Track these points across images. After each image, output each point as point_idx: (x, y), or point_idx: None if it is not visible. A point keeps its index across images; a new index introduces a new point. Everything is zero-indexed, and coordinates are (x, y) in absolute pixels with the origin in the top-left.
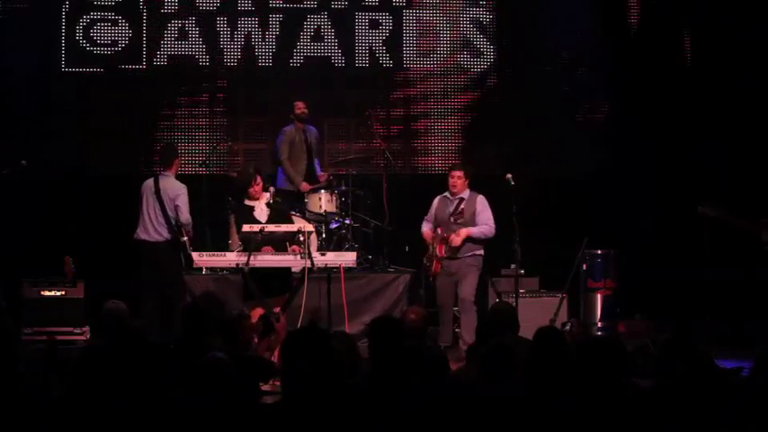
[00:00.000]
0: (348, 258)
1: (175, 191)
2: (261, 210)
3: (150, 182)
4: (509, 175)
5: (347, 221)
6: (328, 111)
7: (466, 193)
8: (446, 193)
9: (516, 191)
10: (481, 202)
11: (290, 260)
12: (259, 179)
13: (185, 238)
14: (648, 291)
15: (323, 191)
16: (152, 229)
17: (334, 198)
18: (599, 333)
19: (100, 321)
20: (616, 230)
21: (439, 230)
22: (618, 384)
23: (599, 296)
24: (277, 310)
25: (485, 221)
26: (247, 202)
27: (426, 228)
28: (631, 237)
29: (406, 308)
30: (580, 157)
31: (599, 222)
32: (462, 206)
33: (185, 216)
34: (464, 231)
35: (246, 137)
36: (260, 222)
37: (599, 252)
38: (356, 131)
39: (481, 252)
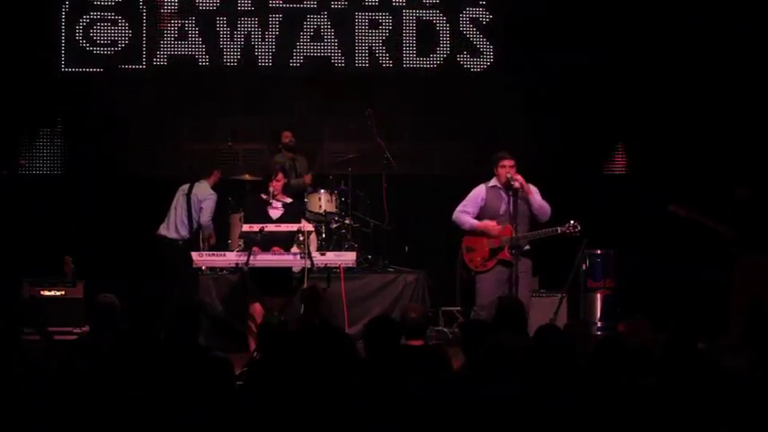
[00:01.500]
0: (348, 258)
1: (205, 195)
2: (277, 207)
3: (186, 185)
4: (509, 176)
5: (347, 221)
6: (328, 111)
7: (516, 184)
8: (492, 183)
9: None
10: (533, 191)
11: (291, 260)
12: (281, 176)
13: (212, 241)
14: (649, 290)
15: (323, 190)
16: (173, 228)
17: (334, 198)
18: (599, 333)
19: (91, 316)
20: (616, 230)
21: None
22: (619, 384)
23: (599, 296)
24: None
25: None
26: (263, 196)
27: (468, 217)
28: (631, 236)
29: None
30: (580, 156)
31: (599, 222)
32: (520, 198)
33: (206, 218)
34: (533, 188)
35: (246, 137)
36: (269, 217)
37: (599, 252)
38: (356, 131)
39: (529, 247)
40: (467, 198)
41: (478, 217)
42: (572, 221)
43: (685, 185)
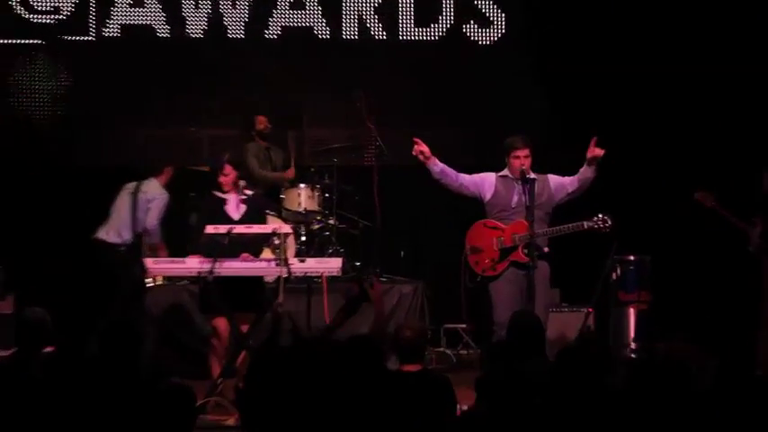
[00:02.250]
0: (332, 266)
1: (155, 194)
2: (234, 204)
3: (132, 184)
4: (524, 167)
5: (331, 221)
6: (310, 91)
7: (531, 174)
8: (504, 172)
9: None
10: (553, 178)
11: (263, 268)
12: (229, 168)
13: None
14: (694, 306)
15: (303, 185)
16: (114, 231)
17: (316, 194)
18: (632, 356)
19: (16, 334)
20: (653, 231)
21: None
22: (659, 419)
23: (632, 311)
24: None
25: (568, 182)
26: (218, 194)
27: (453, 173)
28: (672, 238)
29: (401, 322)
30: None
31: (632, 221)
32: (538, 188)
33: (153, 220)
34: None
35: (213, 122)
36: (228, 218)
37: (632, 258)
38: (343, 115)
39: (547, 249)
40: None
41: (485, 213)
42: (600, 215)
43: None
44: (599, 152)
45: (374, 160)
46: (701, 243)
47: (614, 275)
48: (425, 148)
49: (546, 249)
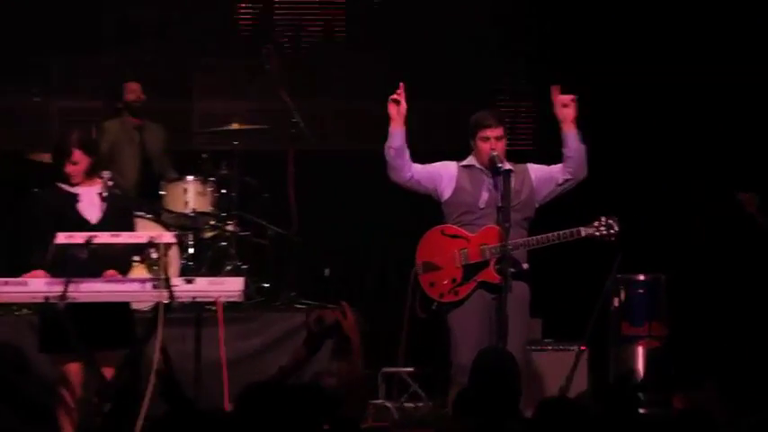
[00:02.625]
0: (230, 288)
1: None
2: (90, 202)
3: None
4: (495, 152)
5: (230, 227)
6: (197, 48)
7: (507, 164)
8: (468, 161)
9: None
10: (535, 168)
11: (135, 291)
12: (78, 154)
13: None
14: (724, 341)
15: (190, 178)
16: None
17: (209, 189)
18: (642, 411)
19: None
20: (669, 242)
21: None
22: None
23: (641, 349)
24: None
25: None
26: (65, 188)
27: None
28: (694, 252)
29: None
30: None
31: (641, 230)
32: (515, 182)
33: None
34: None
35: (67, 89)
36: (85, 222)
37: (641, 278)
38: (246, 81)
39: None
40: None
41: (444, 216)
42: (603, 218)
43: None
44: (565, 98)
45: (290, 144)
46: (732, 258)
47: (616, 301)
48: (403, 105)
49: (525, 266)
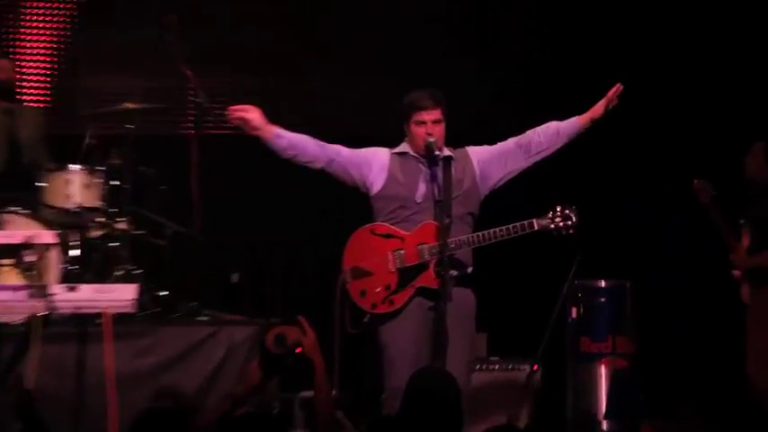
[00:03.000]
0: (121, 297)
1: None
2: None
3: None
4: (431, 138)
5: (121, 225)
6: (83, 16)
7: (446, 150)
8: (403, 148)
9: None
10: (477, 152)
11: (4, 301)
12: None
13: None
14: (698, 358)
15: (75, 167)
16: None
17: (97, 181)
18: None
19: None
20: (634, 242)
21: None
22: None
23: (603, 369)
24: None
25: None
26: None
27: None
28: (666, 253)
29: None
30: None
31: (604, 228)
32: (455, 171)
33: None
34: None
35: None
36: None
37: (602, 284)
38: (142, 55)
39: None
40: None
41: (374, 212)
42: (559, 208)
43: None
44: (444, 153)
45: (193, 129)
46: (711, 258)
47: (575, 312)
48: (251, 114)
49: (469, 269)
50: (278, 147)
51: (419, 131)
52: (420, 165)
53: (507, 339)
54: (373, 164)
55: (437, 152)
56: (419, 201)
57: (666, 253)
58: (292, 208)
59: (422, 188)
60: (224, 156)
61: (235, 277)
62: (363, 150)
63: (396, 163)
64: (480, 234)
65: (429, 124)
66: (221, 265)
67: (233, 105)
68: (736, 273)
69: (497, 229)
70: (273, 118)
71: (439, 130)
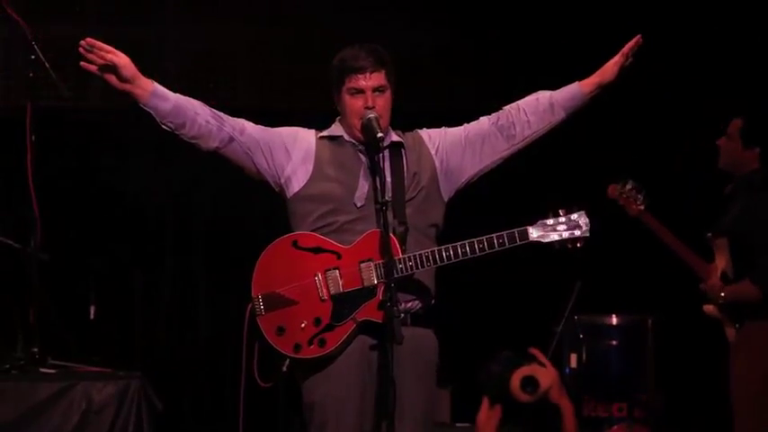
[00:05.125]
0: None
1: None
2: None
3: None
4: (372, 114)
5: None
6: None
7: (394, 135)
8: (335, 130)
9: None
10: (435, 138)
11: None
12: None
13: None
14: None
15: None
16: None
17: None
18: None
19: None
20: (656, 268)
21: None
22: None
23: None
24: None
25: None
26: None
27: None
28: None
29: None
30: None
31: (609, 243)
32: (408, 162)
33: None
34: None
35: None
36: None
37: (613, 321)
38: None
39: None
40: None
41: (295, 218)
42: (562, 212)
43: None
44: (390, 138)
45: (27, 98)
46: None
47: (574, 360)
48: (122, 58)
49: (431, 300)
50: (157, 110)
51: (355, 104)
52: (359, 154)
53: (479, 398)
54: (293, 150)
55: (380, 134)
56: (359, 204)
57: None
58: (169, 207)
59: (363, 186)
60: (73, 137)
61: (92, 310)
62: (279, 130)
63: (325, 151)
64: (449, 248)
65: (368, 94)
66: (72, 292)
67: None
68: (709, 308)
69: (474, 242)
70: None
71: (382, 102)
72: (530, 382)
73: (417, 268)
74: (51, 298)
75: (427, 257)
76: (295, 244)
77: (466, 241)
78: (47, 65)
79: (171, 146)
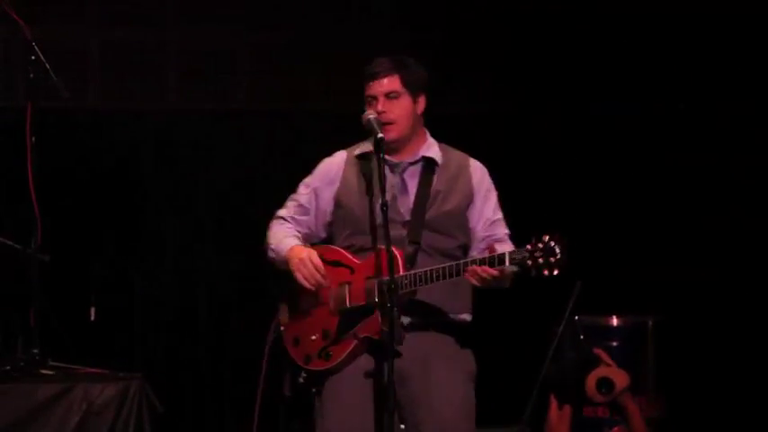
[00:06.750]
0: None
1: None
2: None
3: None
4: (372, 114)
5: None
6: None
7: (432, 149)
8: (364, 147)
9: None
10: (482, 173)
11: None
12: None
13: None
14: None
15: None
16: None
17: None
18: None
19: None
20: (655, 261)
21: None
22: None
23: None
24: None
25: (495, 228)
26: None
27: (286, 229)
28: (698, 282)
29: None
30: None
31: (609, 244)
32: (438, 179)
33: None
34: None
35: None
36: None
37: (614, 322)
38: None
39: (469, 317)
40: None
41: (335, 238)
42: (540, 239)
43: None
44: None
45: (27, 98)
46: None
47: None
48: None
49: (463, 316)
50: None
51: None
52: (386, 168)
53: (481, 400)
54: (324, 185)
55: (380, 134)
56: (379, 220)
57: (704, 275)
58: (176, 210)
59: (394, 200)
60: (73, 139)
61: (92, 314)
62: (312, 178)
63: (352, 169)
64: (438, 269)
65: (380, 99)
66: (72, 295)
67: None
68: None
69: (459, 264)
70: (153, 87)
71: (398, 109)
72: (605, 384)
73: (414, 286)
74: (51, 299)
75: (420, 277)
76: (321, 256)
77: (452, 263)
78: (47, 66)
79: (171, 146)
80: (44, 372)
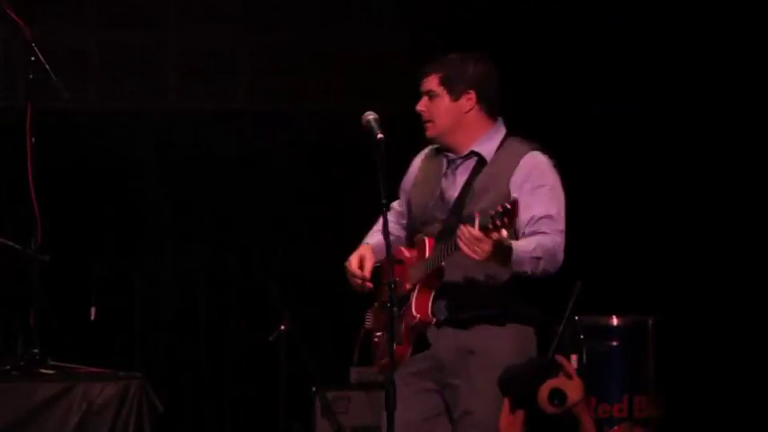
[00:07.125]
0: None
1: None
2: None
3: None
4: (371, 115)
5: None
6: None
7: (485, 145)
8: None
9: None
10: (530, 169)
11: None
12: None
13: None
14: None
15: None
16: None
17: None
18: None
19: None
20: (656, 261)
21: (403, 252)
22: None
23: None
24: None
25: (540, 225)
26: None
27: (368, 237)
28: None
29: None
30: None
31: (610, 243)
32: (482, 178)
33: None
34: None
35: None
36: None
37: (614, 322)
38: None
39: (526, 310)
40: None
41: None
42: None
43: None
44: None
45: (27, 100)
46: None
47: (575, 360)
48: (365, 272)
49: (525, 311)
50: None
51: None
52: (443, 160)
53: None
54: (406, 180)
55: (380, 135)
56: (431, 207)
57: (704, 275)
58: (179, 211)
59: (437, 193)
60: (74, 140)
61: (92, 313)
62: (406, 178)
63: (424, 164)
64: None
65: (423, 98)
66: (74, 294)
67: None
68: None
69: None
70: (151, 87)
71: (435, 108)
72: (558, 395)
73: (442, 279)
74: (51, 299)
75: (435, 267)
76: (393, 256)
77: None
78: (47, 66)
79: (171, 146)
80: (44, 371)
